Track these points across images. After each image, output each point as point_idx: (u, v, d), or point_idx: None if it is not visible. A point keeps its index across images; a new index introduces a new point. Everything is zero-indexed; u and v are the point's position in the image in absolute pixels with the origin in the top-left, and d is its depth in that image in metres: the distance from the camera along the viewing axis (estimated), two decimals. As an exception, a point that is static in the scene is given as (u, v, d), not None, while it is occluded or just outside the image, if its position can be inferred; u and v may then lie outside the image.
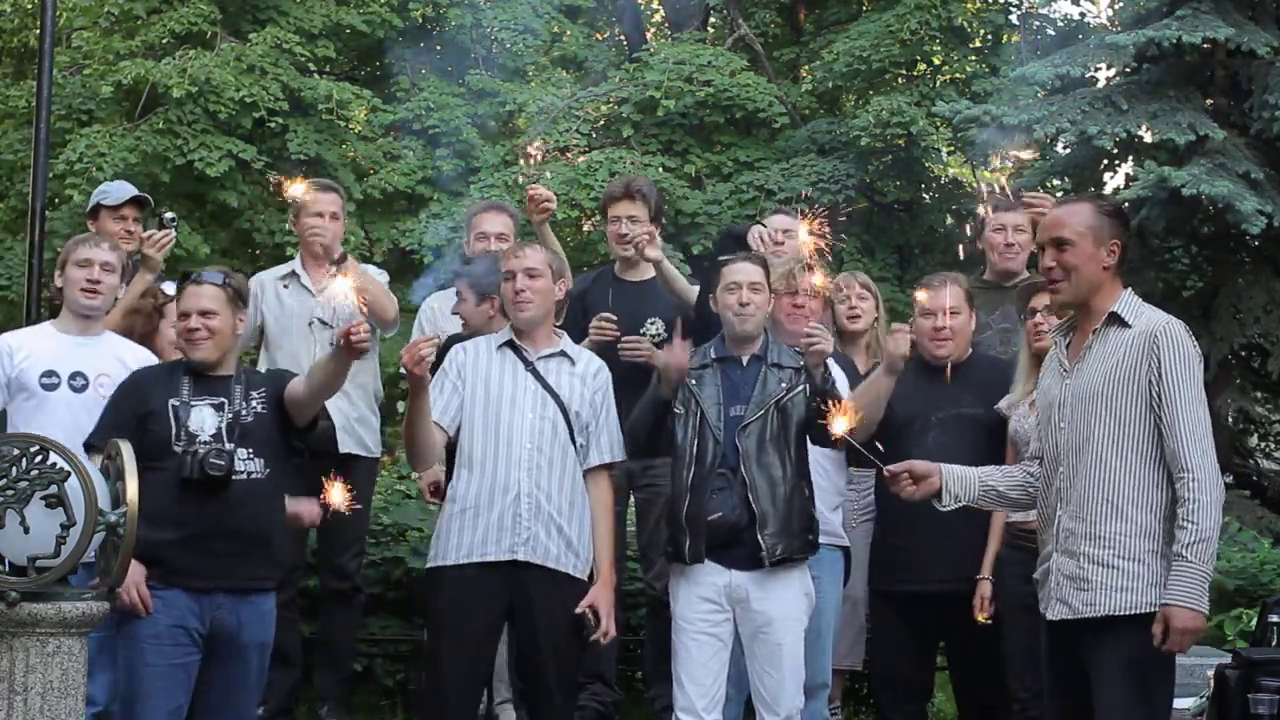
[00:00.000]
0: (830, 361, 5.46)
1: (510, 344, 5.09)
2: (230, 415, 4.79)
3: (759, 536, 4.93)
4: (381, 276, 6.48)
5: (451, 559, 4.94)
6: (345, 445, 6.20)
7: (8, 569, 4.06)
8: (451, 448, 5.12)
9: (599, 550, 5.05)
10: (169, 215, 6.22)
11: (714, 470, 5.00)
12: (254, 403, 4.85)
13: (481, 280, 5.54)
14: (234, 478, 4.72)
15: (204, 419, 4.78)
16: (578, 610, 4.93)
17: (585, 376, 5.10)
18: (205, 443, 4.72)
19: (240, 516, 4.73)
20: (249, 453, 4.77)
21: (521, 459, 4.94)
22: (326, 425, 5.88)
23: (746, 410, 5.03)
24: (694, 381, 5.09)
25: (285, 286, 6.32)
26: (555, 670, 4.98)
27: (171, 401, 4.79)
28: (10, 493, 4.03)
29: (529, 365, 5.05)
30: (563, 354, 5.12)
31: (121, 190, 6.42)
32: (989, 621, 5.25)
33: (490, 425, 4.98)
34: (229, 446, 4.72)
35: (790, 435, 5.04)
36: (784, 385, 5.06)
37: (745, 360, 5.13)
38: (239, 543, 4.73)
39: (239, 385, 4.85)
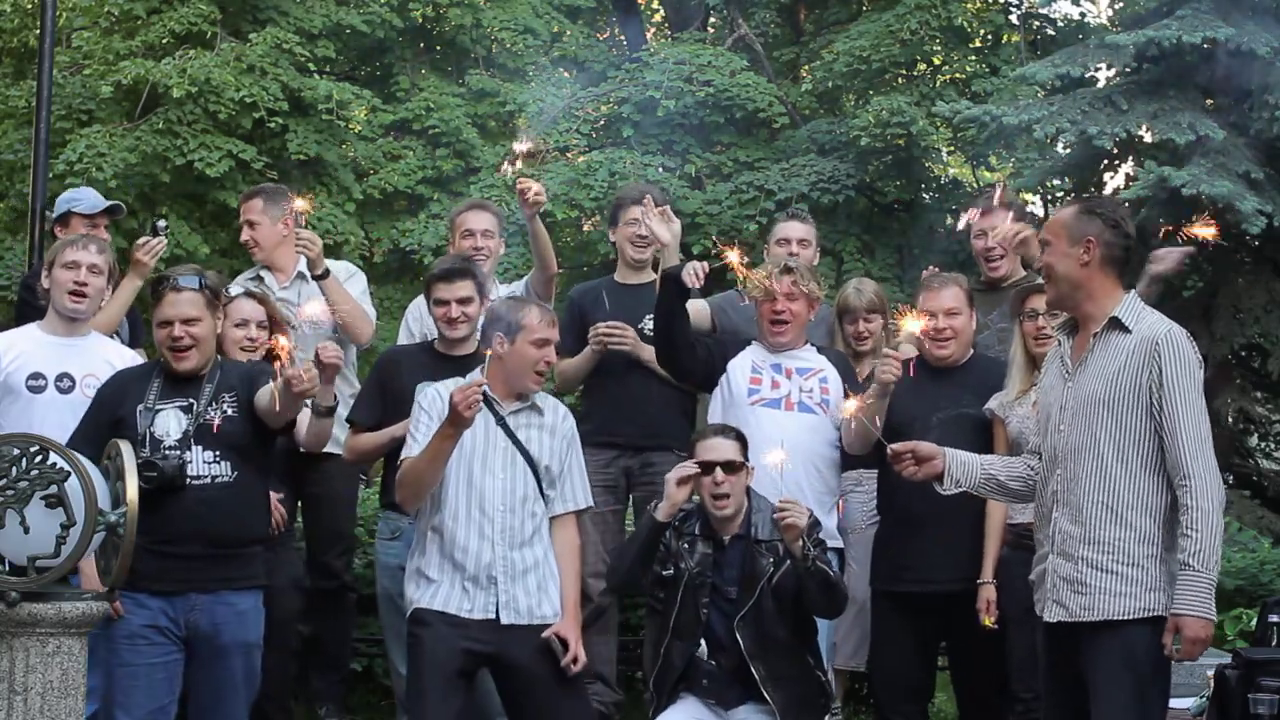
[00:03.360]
0: (834, 375, 5.50)
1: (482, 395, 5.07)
2: (196, 418, 4.77)
3: None
4: (357, 282, 6.42)
5: (438, 606, 4.89)
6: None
7: (8, 569, 4.06)
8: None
9: (566, 591, 5.00)
10: (162, 224, 6.28)
11: (694, 635, 5.05)
12: (225, 405, 4.82)
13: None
14: (195, 481, 4.71)
15: (169, 423, 4.77)
16: (544, 635, 4.89)
17: (553, 427, 5.05)
18: (171, 447, 4.71)
19: (204, 519, 4.71)
20: (214, 455, 4.76)
21: (494, 519, 4.90)
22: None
23: (737, 594, 5.05)
24: (685, 545, 5.12)
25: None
26: (570, 697, 4.97)
27: (139, 407, 4.78)
28: (10, 493, 4.04)
29: (499, 420, 4.99)
30: (532, 406, 5.05)
31: (95, 198, 6.45)
32: (995, 627, 5.24)
33: (462, 483, 4.91)
34: (171, 452, 4.69)
35: (788, 608, 5.06)
36: (772, 562, 5.06)
37: (727, 540, 5.13)
38: (204, 545, 4.72)
39: (209, 385, 4.83)
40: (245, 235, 6.35)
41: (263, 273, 6.36)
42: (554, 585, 4.99)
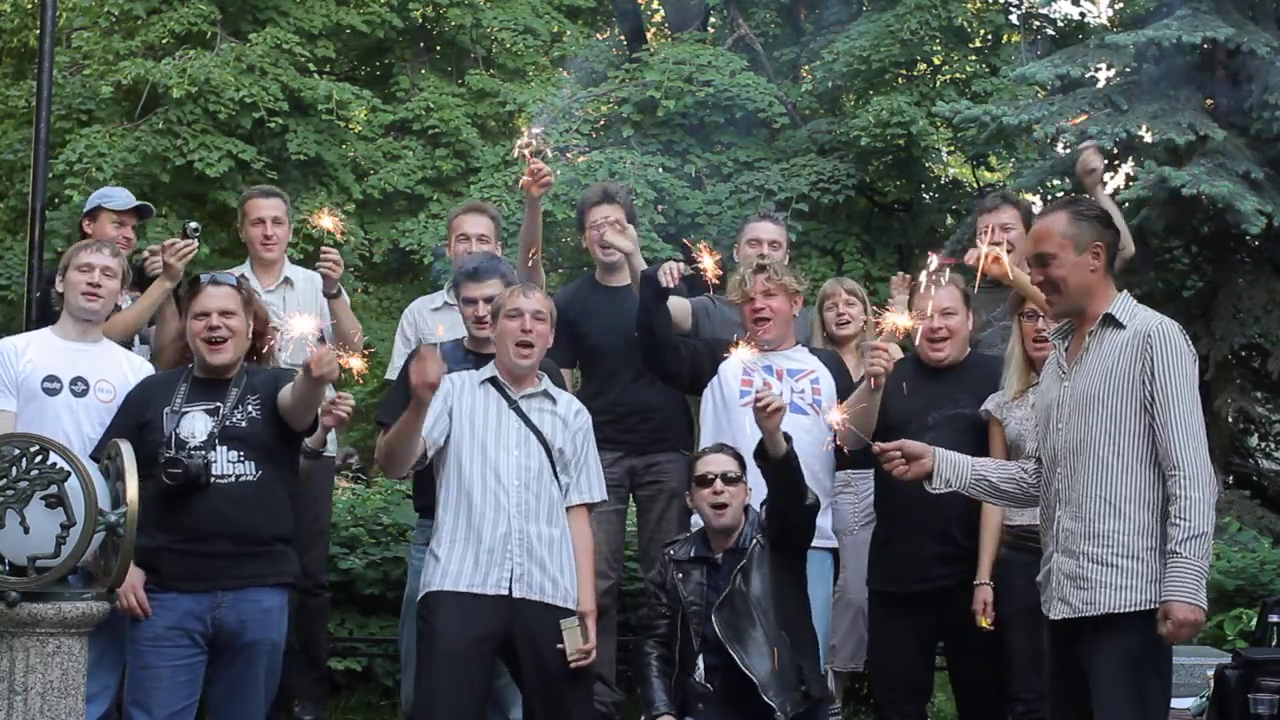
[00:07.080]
0: (816, 375, 5.50)
1: (493, 381, 5.09)
2: (221, 420, 4.80)
3: (764, 697, 4.98)
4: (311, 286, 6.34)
5: (449, 585, 4.91)
6: None
7: (8, 569, 4.06)
8: (430, 473, 5.13)
9: (582, 585, 5.04)
10: (193, 225, 6.16)
11: (695, 663, 5.07)
12: (249, 406, 4.86)
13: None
14: (219, 480, 4.73)
15: (195, 425, 4.80)
16: (565, 620, 4.91)
17: (567, 417, 5.12)
18: (196, 449, 4.73)
19: (229, 517, 4.73)
20: (239, 455, 4.79)
21: (510, 495, 4.95)
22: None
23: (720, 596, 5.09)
24: (680, 575, 5.17)
25: None
26: (577, 688, 4.97)
27: (166, 410, 4.82)
28: (10, 493, 4.03)
29: (512, 404, 5.05)
30: (544, 394, 5.12)
31: (126, 196, 6.44)
32: (992, 628, 5.24)
33: (476, 462, 4.97)
34: (197, 453, 4.71)
35: (765, 592, 5.06)
36: (745, 552, 5.10)
37: (720, 557, 5.17)
38: (230, 543, 4.74)
39: (236, 389, 4.87)
40: (269, 231, 6.27)
41: (249, 274, 6.28)
42: (570, 569, 5.01)
